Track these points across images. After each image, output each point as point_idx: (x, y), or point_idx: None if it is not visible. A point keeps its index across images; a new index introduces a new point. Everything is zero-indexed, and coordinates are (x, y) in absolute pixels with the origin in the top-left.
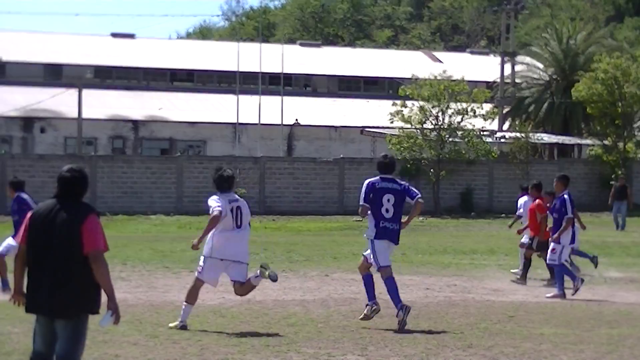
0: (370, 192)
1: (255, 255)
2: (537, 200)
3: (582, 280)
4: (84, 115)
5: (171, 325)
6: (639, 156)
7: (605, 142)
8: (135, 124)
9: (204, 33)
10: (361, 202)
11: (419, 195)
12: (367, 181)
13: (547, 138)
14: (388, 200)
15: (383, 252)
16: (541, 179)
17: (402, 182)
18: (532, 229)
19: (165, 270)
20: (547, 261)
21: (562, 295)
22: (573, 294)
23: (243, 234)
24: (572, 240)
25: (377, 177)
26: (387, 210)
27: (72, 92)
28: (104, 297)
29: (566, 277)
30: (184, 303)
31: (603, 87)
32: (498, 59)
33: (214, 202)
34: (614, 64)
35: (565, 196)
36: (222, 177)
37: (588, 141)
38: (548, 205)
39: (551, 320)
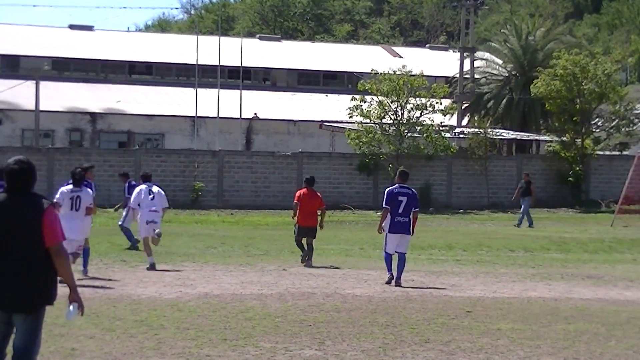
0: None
1: (213, 249)
2: None
3: (391, 278)
4: (42, 107)
5: None
6: (597, 152)
7: (564, 138)
8: (93, 116)
9: (163, 26)
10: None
11: (417, 209)
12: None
13: (505, 134)
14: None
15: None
16: (499, 174)
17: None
18: None
19: (123, 264)
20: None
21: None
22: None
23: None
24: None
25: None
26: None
27: (30, 84)
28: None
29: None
30: None
31: (562, 83)
32: (457, 55)
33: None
34: (572, 60)
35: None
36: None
37: (546, 137)
38: None
39: (508, 316)
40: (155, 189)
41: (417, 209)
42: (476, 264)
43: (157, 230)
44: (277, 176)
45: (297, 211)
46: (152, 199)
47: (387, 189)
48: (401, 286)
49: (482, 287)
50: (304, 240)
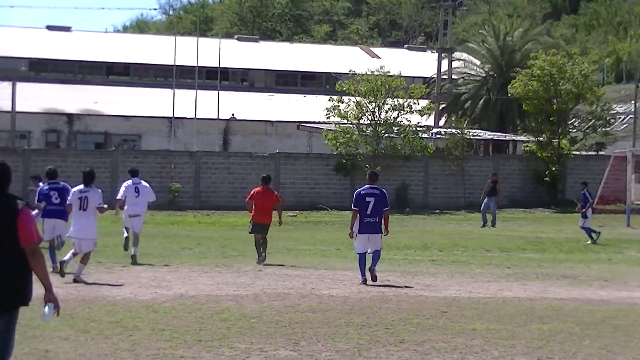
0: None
1: (189, 250)
2: None
3: (365, 281)
4: (18, 108)
5: None
6: (573, 152)
7: (540, 138)
8: (70, 117)
9: (140, 27)
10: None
11: (388, 208)
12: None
13: (482, 134)
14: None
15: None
16: (476, 175)
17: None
18: None
19: (98, 265)
20: None
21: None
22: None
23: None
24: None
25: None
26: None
27: (6, 85)
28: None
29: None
30: None
31: (539, 84)
32: (435, 55)
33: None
34: (550, 61)
35: None
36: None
37: (523, 137)
38: None
39: (483, 316)
40: (142, 185)
41: (388, 208)
42: (452, 264)
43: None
44: (254, 177)
45: (252, 208)
46: (137, 196)
47: (356, 191)
48: (374, 273)
49: (457, 287)
50: (258, 236)
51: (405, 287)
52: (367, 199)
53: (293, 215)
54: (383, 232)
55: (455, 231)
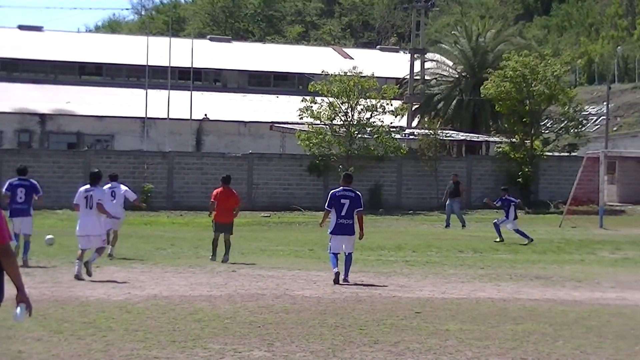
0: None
1: (162, 250)
2: None
3: (337, 275)
4: None
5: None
6: (546, 154)
7: (513, 139)
8: (43, 117)
9: (113, 27)
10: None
11: (361, 209)
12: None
13: (455, 135)
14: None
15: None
16: (449, 176)
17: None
18: None
19: (71, 265)
20: None
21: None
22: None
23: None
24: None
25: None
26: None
27: None
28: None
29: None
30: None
31: (511, 85)
32: (408, 56)
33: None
34: (522, 62)
35: None
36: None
37: (496, 138)
38: None
39: (457, 316)
40: (120, 188)
41: (361, 210)
42: (425, 264)
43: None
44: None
45: (214, 209)
46: (113, 200)
47: (331, 191)
48: (348, 282)
49: (431, 287)
50: (221, 237)
51: (379, 287)
52: (342, 200)
53: (266, 216)
54: (357, 234)
55: (429, 232)
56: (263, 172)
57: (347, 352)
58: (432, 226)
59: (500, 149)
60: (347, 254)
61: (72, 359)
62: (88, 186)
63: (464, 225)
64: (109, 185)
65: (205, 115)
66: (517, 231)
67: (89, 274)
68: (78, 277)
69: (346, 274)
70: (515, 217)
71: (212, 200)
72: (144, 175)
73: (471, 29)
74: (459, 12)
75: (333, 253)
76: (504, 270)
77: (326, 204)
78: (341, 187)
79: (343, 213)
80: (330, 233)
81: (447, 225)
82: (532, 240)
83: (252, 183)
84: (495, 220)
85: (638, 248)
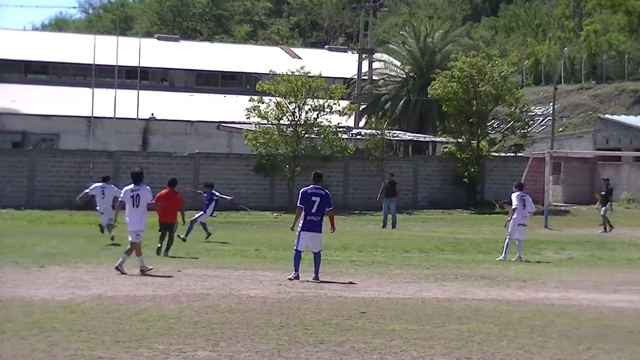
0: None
1: (107, 250)
2: None
3: (297, 277)
4: None
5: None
6: (492, 154)
7: (460, 139)
8: None
9: (60, 25)
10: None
11: (331, 208)
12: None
13: (402, 135)
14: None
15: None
16: (395, 176)
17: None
18: None
19: (15, 265)
20: None
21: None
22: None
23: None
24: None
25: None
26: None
27: None
28: None
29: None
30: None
31: (458, 85)
32: (356, 56)
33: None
34: (469, 62)
35: None
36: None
37: (442, 139)
38: None
39: (402, 316)
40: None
41: (331, 208)
42: (371, 264)
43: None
44: (170, 177)
45: (157, 209)
46: (103, 198)
47: (302, 190)
48: (319, 280)
49: (376, 287)
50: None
51: (325, 287)
52: (313, 198)
53: (212, 216)
54: (330, 229)
55: (375, 232)
56: (210, 171)
57: (293, 352)
58: (378, 226)
59: (447, 149)
60: (315, 253)
61: (15, 359)
62: (132, 186)
63: (394, 226)
64: (101, 184)
65: (152, 114)
66: (203, 225)
67: (122, 272)
68: (143, 271)
69: (316, 272)
70: (212, 214)
71: (154, 201)
72: (89, 174)
73: (419, 30)
74: (407, 12)
75: (298, 251)
76: (449, 270)
77: (298, 202)
78: (312, 185)
79: (313, 210)
80: (301, 230)
81: (384, 226)
82: (210, 234)
83: (199, 183)
84: (202, 219)
85: (582, 248)
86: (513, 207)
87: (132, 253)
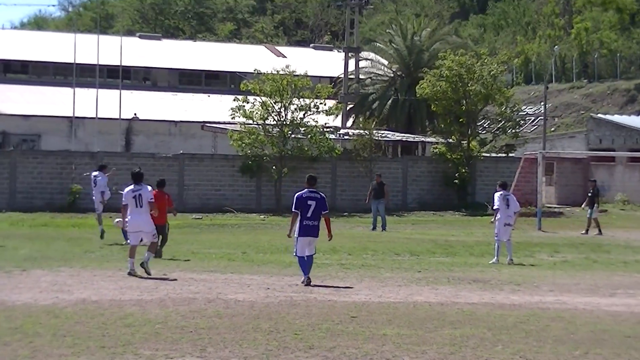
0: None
1: (91, 253)
2: None
3: (309, 280)
4: None
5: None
6: (483, 154)
7: (449, 140)
8: None
9: (39, 23)
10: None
11: (327, 211)
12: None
13: (390, 135)
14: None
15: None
16: (384, 177)
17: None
18: None
19: None
20: None
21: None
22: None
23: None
24: None
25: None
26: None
27: None
28: None
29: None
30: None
31: (447, 84)
32: (342, 55)
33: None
34: (458, 61)
35: None
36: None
37: (432, 139)
38: None
39: (394, 321)
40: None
41: (327, 212)
42: (361, 268)
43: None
44: (157, 178)
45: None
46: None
47: (297, 194)
48: (310, 285)
49: (367, 291)
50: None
51: (314, 291)
52: (309, 202)
53: (198, 218)
54: (327, 236)
55: (364, 234)
56: (194, 173)
57: (282, 358)
58: (367, 228)
59: (437, 150)
60: (307, 257)
61: None
62: (133, 186)
63: (384, 228)
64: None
65: (135, 114)
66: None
67: (148, 273)
68: (132, 274)
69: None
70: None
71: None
72: (72, 176)
73: (406, 28)
74: (394, 10)
75: (300, 257)
76: (441, 274)
77: (293, 207)
78: (306, 189)
79: (309, 215)
80: (297, 236)
81: (374, 228)
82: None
83: (184, 184)
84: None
85: (576, 250)
86: (495, 207)
87: (153, 249)
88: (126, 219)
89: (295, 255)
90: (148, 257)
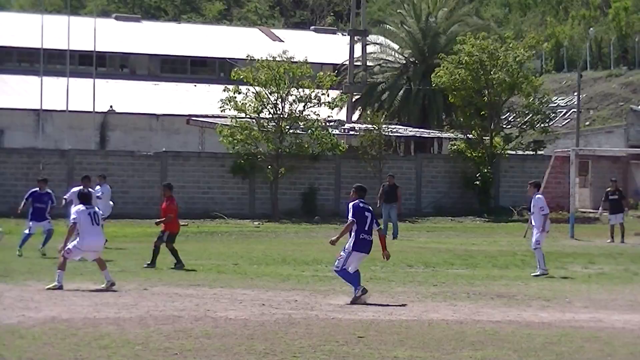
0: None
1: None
2: None
3: (364, 291)
4: None
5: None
6: (508, 152)
7: (469, 135)
8: None
9: (2, 3)
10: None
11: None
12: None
13: (402, 130)
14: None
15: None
16: (395, 177)
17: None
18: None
19: None
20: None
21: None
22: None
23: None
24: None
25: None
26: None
27: None
28: None
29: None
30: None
31: (467, 72)
32: (347, 39)
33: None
34: (479, 45)
35: None
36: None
37: (450, 134)
38: None
39: (406, 342)
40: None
41: (380, 228)
42: (369, 281)
43: None
44: (137, 180)
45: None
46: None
47: (352, 203)
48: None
49: (375, 308)
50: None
51: (315, 308)
52: (367, 213)
53: (184, 225)
54: (383, 255)
55: (373, 243)
56: (179, 173)
57: None
58: (375, 236)
59: (455, 147)
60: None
61: None
62: (83, 206)
63: (395, 236)
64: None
65: (111, 107)
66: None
67: (112, 283)
68: (58, 288)
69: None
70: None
71: (169, 214)
72: (39, 177)
73: (420, 7)
74: None
75: (350, 273)
76: (460, 288)
77: (350, 214)
78: (357, 200)
79: (366, 227)
80: (353, 250)
81: (395, 235)
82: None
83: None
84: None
85: (614, 262)
86: (544, 212)
87: (103, 266)
88: (74, 241)
89: (340, 269)
90: (107, 274)
